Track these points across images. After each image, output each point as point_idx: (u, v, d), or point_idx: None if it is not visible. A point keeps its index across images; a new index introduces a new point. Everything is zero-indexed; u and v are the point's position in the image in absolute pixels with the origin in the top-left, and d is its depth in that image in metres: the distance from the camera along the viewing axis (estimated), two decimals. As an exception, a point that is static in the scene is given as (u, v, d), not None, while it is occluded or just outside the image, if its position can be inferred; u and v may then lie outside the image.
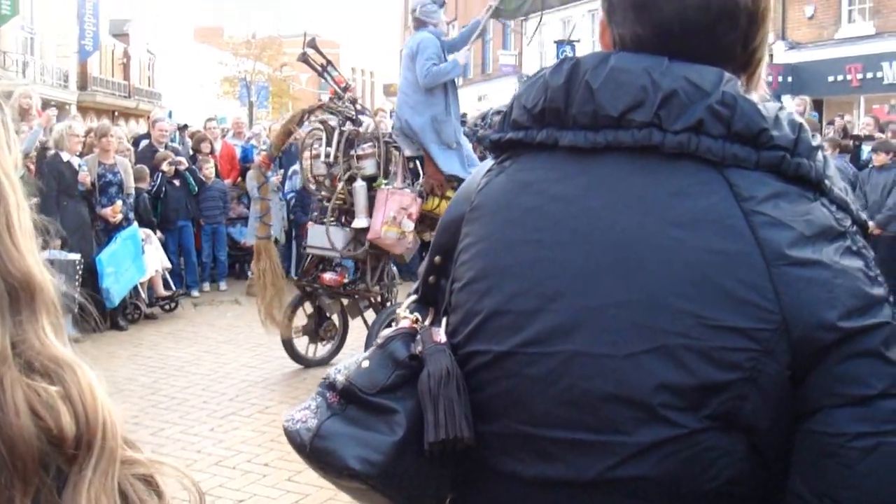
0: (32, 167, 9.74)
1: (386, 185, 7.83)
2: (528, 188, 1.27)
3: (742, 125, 1.16)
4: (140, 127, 23.87)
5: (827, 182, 1.19)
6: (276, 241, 12.42)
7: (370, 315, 8.15)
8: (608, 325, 1.16)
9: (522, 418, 1.22)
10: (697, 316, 1.12)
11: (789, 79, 23.57)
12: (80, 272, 9.21)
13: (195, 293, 12.23)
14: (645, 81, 1.18)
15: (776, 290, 1.11)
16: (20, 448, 0.68)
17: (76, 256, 9.22)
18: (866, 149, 11.99)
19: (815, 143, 1.20)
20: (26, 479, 0.68)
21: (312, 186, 8.48)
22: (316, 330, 8.27)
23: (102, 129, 10.79)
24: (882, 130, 12.73)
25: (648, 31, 1.23)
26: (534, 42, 37.74)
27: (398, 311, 1.42)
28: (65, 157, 9.78)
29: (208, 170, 12.45)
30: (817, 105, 20.37)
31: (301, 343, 8.32)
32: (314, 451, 1.30)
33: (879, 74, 21.86)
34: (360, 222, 7.85)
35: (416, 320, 1.38)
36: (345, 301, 8.30)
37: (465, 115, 7.98)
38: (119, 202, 10.15)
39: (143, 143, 12.78)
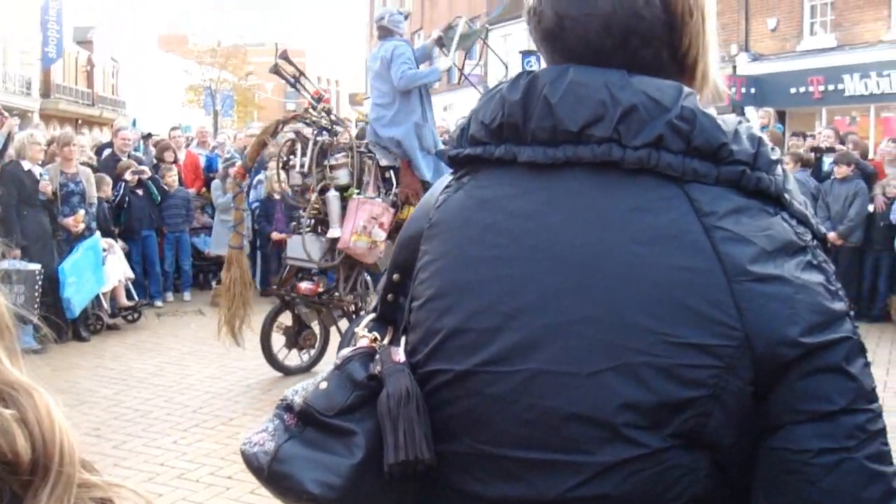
0: (-8, 176, 9.64)
1: (357, 194, 7.86)
2: (487, 204, 1.25)
3: (702, 140, 1.16)
4: (104, 135, 23.70)
5: (787, 196, 1.19)
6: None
7: (345, 324, 8.16)
8: (569, 342, 1.15)
9: (484, 438, 1.20)
10: (659, 333, 1.11)
11: (752, 90, 23.80)
12: (41, 282, 9.12)
13: (158, 303, 12.15)
14: (604, 96, 1.17)
15: (738, 307, 1.11)
16: None
17: (37, 266, 9.14)
18: (827, 160, 12.12)
19: (774, 156, 1.20)
20: None
21: (281, 196, 8.55)
22: (296, 339, 8.32)
23: (65, 137, 10.68)
24: (843, 142, 12.87)
25: (564, 59, 1.24)
26: (499, 52, 37.96)
27: (356, 329, 1.40)
28: (26, 165, 9.68)
29: (171, 177, 12.37)
30: (780, 116, 20.60)
31: (281, 352, 8.38)
32: (272, 475, 1.28)
33: (841, 86, 22.12)
34: (333, 232, 7.94)
35: (375, 339, 1.36)
36: (322, 310, 8.35)
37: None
38: (81, 212, 10.06)
39: (106, 152, 12.68)
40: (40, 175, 9.74)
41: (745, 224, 1.14)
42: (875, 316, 11.17)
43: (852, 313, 1.17)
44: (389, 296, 1.40)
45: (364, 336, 1.37)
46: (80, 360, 9.08)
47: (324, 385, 1.29)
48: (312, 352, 8.51)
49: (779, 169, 1.20)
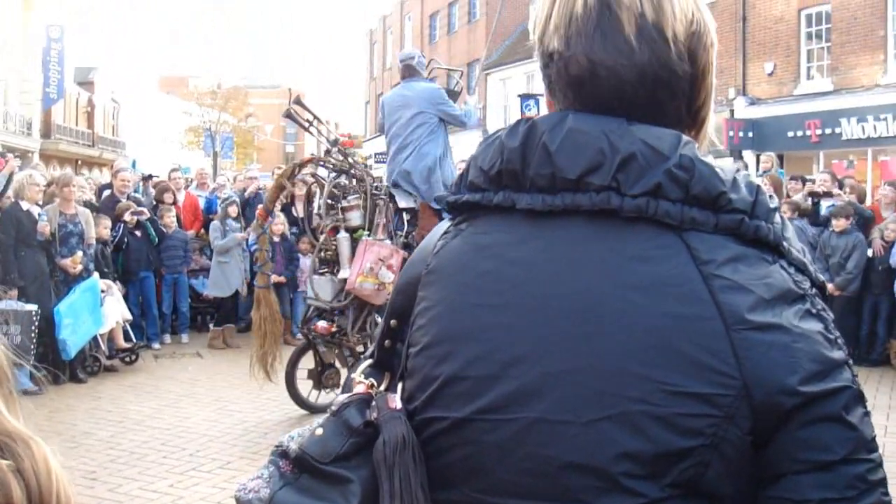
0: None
1: (367, 236, 7.92)
2: (485, 251, 1.25)
3: (700, 189, 1.16)
4: (104, 176, 23.79)
5: (785, 244, 1.19)
6: (237, 293, 12.46)
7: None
8: (567, 391, 1.14)
9: (481, 486, 1.19)
10: (658, 382, 1.11)
11: (750, 134, 23.95)
12: (38, 323, 9.10)
13: (156, 346, 12.10)
14: (603, 144, 1.17)
15: (736, 355, 1.10)
16: None
17: (33, 307, 9.13)
18: (825, 204, 12.13)
19: (772, 205, 1.20)
20: None
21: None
22: (319, 378, 8.41)
23: (64, 178, 10.72)
24: (841, 185, 12.90)
25: (589, 107, 1.23)
26: (498, 96, 38.20)
27: (353, 375, 1.39)
28: (24, 206, 9.70)
29: (169, 219, 12.38)
30: (779, 160, 20.67)
31: (305, 389, 8.51)
32: None
33: (838, 130, 22.25)
34: (344, 273, 8.03)
35: (372, 385, 1.35)
36: (336, 350, 8.44)
37: (395, 177, 8.27)
38: (79, 253, 10.06)
39: (106, 192, 12.71)
40: (39, 215, 9.76)
41: (744, 272, 1.14)
42: (874, 360, 11.14)
43: (851, 361, 1.17)
44: (386, 341, 1.39)
45: (361, 382, 1.36)
46: (76, 402, 9.04)
47: (319, 431, 1.28)
48: (337, 391, 8.51)
49: (777, 217, 1.20)
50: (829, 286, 10.50)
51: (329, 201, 8.25)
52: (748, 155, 23.19)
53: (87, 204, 11.21)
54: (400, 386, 1.32)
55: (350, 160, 8.51)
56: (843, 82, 22.30)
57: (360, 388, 1.34)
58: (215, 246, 12.39)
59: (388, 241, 7.97)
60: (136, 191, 13.38)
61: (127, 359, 10.86)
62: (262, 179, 16.02)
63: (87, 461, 6.89)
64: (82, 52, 43.35)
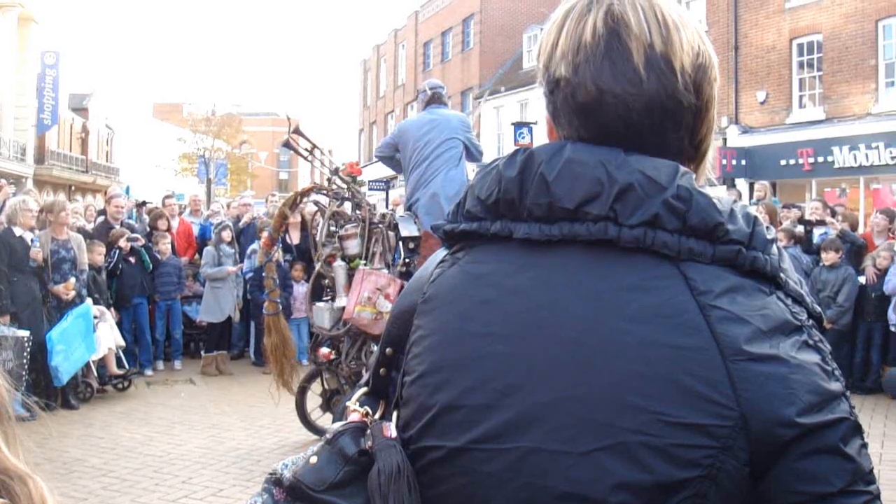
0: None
1: (364, 265, 7.90)
2: (482, 280, 1.25)
3: (698, 220, 1.16)
4: (98, 202, 23.79)
5: (782, 275, 1.19)
6: (230, 319, 12.44)
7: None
8: (563, 421, 1.14)
9: (476, 516, 1.18)
10: (653, 412, 1.10)
11: (743, 162, 24.06)
12: (29, 349, 9.06)
13: (149, 372, 12.06)
14: (600, 174, 1.17)
15: (734, 386, 1.10)
16: None
17: (25, 333, 9.10)
18: (818, 232, 12.16)
19: (769, 236, 1.20)
20: None
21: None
22: (327, 403, 8.46)
23: (58, 204, 10.71)
24: (833, 213, 12.94)
25: (594, 134, 1.23)
26: (492, 124, 38.31)
27: (347, 403, 1.38)
28: (17, 231, 9.68)
29: (164, 245, 12.37)
30: (771, 189, 20.76)
31: (315, 414, 8.60)
32: None
33: (830, 158, 22.37)
34: (340, 301, 8.04)
35: (367, 413, 1.34)
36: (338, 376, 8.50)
37: (417, 199, 8.26)
38: (72, 279, 10.04)
39: (100, 219, 12.70)
40: (31, 241, 9.74)
41: (741, 303, 1.14)
42: (868, 388, 11.13)
43: (848, 393, 1.16)
44: (382, 370, 1.38)
45: (355, 410, 1.35)
46: (68, 429, 8.99)
47: (314, 460, 1.27)
48: None
49: (774, 248, 1.20)
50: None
51: (330, 228, 8.30)
52: (741, 183, 23.28)
53: (79, 230, 11.20)
54: (395, 414, 1.31)
55: (354, 187, 8.53)
56: (835, 111, 22.44)
57: (354, 417, 1.34)
58: (204, 272, 12.37)
59: (386, 271, 7.96)
60: (129, 217, 13.37)
61: (119, 385, 10.81)
62: (257, 206, 16.03)
63: (79, 488, 6.85)
64: (77, 78, 43.53)
